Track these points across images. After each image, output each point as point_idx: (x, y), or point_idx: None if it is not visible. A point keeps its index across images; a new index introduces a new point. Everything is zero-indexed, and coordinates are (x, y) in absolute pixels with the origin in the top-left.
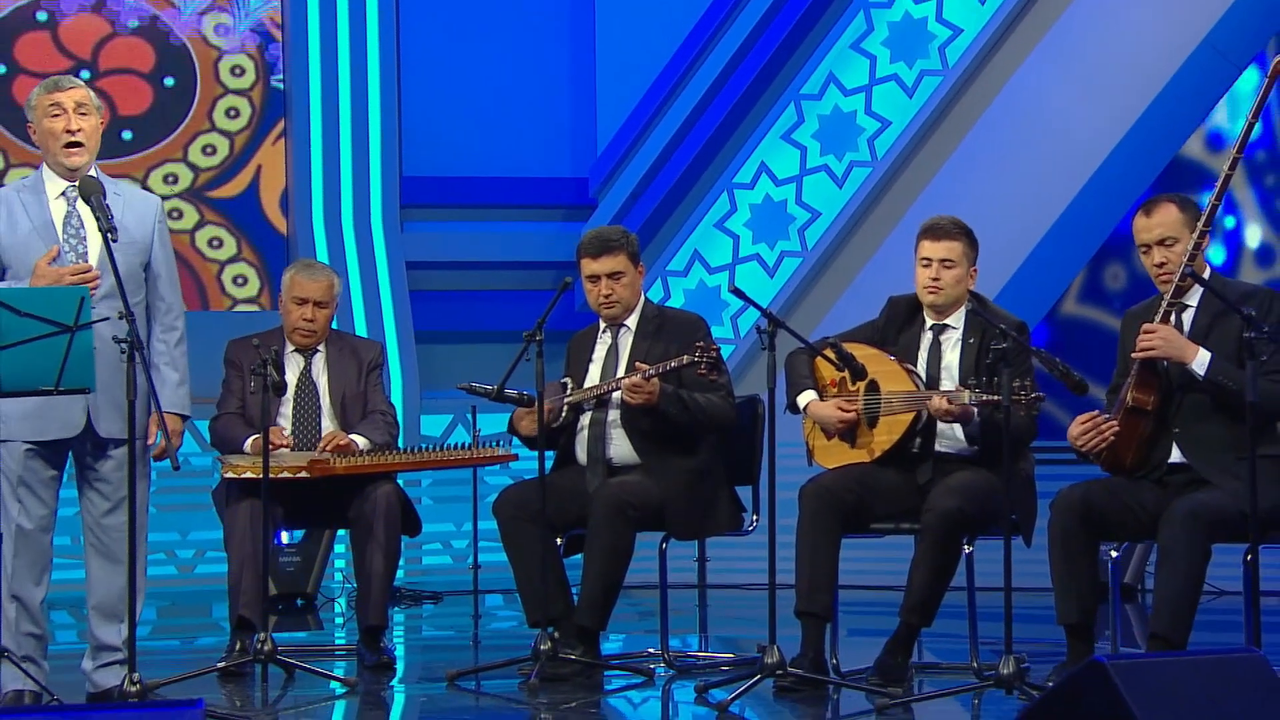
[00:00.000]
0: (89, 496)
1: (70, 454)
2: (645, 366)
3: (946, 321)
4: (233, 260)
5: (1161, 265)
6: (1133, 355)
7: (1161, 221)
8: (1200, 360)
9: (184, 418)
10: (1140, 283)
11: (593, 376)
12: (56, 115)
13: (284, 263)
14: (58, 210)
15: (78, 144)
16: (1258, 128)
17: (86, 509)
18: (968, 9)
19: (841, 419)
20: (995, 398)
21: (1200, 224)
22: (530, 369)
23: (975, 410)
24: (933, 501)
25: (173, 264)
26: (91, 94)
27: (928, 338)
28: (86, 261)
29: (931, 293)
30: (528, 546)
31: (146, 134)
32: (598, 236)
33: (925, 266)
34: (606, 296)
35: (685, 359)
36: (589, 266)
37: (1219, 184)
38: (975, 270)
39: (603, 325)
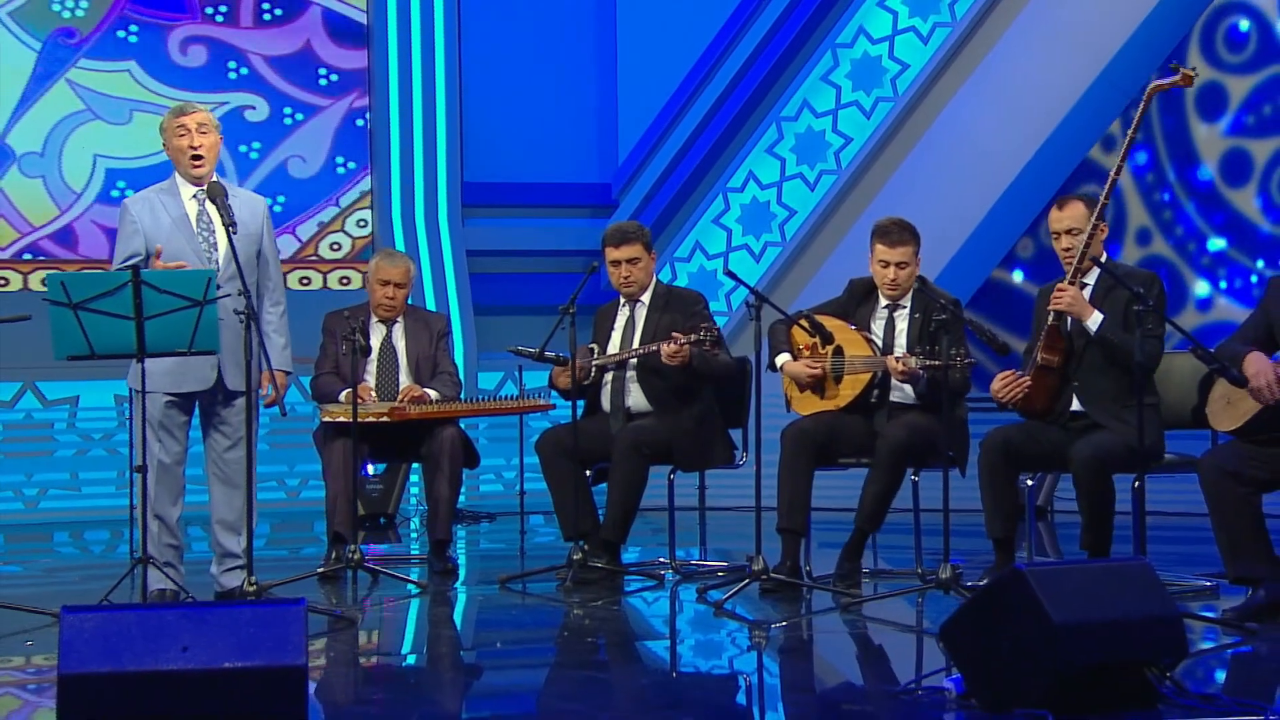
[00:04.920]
0: (213, 436)
1: (196, 404)
2: (680, 336)
3: (899, 300)
4: None
5: (1068, 250)
6: (1048, 308)
7: (1070, 215)
8: (1094, 320)
9: (289, 373)
10: (1044, 252)
11: (614, 342)
12: (183, 135)
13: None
14: (191, 209)
15: (199, 157)
16: (1141, 134)
17: (211, 446)
18: (913, 48)
19: (810, 374)
20: (938, 363)
21: (1093, 217)
22: (565, 336)
23: (923, 373)
24: (885, 433)
25: (276, 251)
26: (211, 115)
27: (883, 313)
28: (216, 251)
29: (891, 291)
30: (563, 477)
31: None
32: (618, 229)
33: (884, 268)
34: (625, 278)
35: (694, 337)
36: (611, 254)
37: (1106, 186)
38: (919, 259)
39: (622, 301)
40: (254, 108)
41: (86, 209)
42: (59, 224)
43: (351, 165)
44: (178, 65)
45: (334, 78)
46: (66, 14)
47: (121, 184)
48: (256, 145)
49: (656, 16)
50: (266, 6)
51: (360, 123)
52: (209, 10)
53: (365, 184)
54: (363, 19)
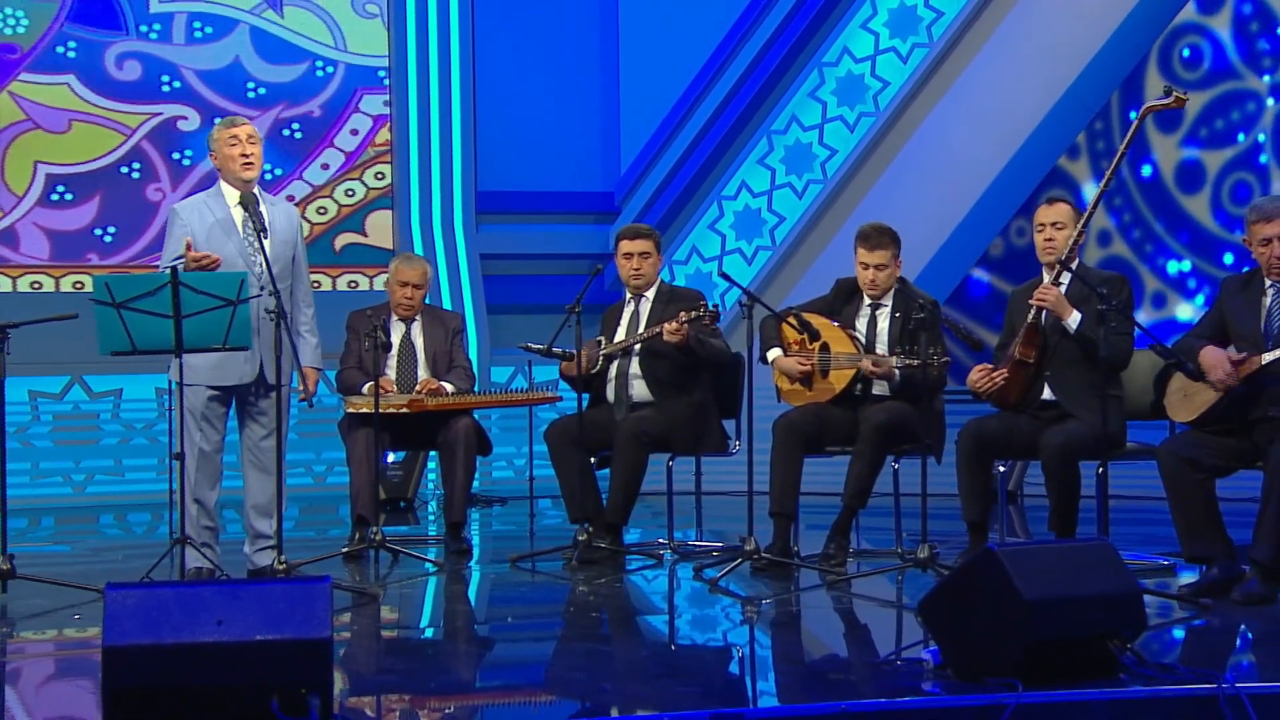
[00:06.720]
0: (250, 427)
1: (234, 397)
2: (684, 315)
3: (880, 300)
4: None
5: (1050, 241)
6: (1030, 302)
7: (1057, 212)
8: (1073, 319)
9: (319, 369)
10: (1013, 250)
11: (620, 335)
12: (234, 145)
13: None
14: (237, 215)
15: (250, 163)
16: (1102, 143)
17: (247, 435)
18: (894, 67)
19: (799, 370)
20: (916, 362)
21: (1078, 228)
22: (571, 332)
23: (897, 372)
24: (868, 417)
25: (306, 255)
26: (256, 129)
27: (866, 312)
28: (259, 255)
29: (871, 291)
30: (570, 463)
31: None
32: (633, 227)
33: (864, 269)
34: (636, 269)
35: (694, 313)
36: (625, 246)
37: (1091, 204)
38: (900, 261)
39: (628, 297)
40: (186, 118)
41: (28, 211)
42: (2, 225)
43: (279, 171)
44: (114, 79)
45: (261, 90)
46: (9, 30)
47: (61, 188)
48: (189, 153)
49: (655, 40)
50: (198, 25)
51: (286, 132)
52: (143, 28)
53: (293, 189)
54: (291, 38)
